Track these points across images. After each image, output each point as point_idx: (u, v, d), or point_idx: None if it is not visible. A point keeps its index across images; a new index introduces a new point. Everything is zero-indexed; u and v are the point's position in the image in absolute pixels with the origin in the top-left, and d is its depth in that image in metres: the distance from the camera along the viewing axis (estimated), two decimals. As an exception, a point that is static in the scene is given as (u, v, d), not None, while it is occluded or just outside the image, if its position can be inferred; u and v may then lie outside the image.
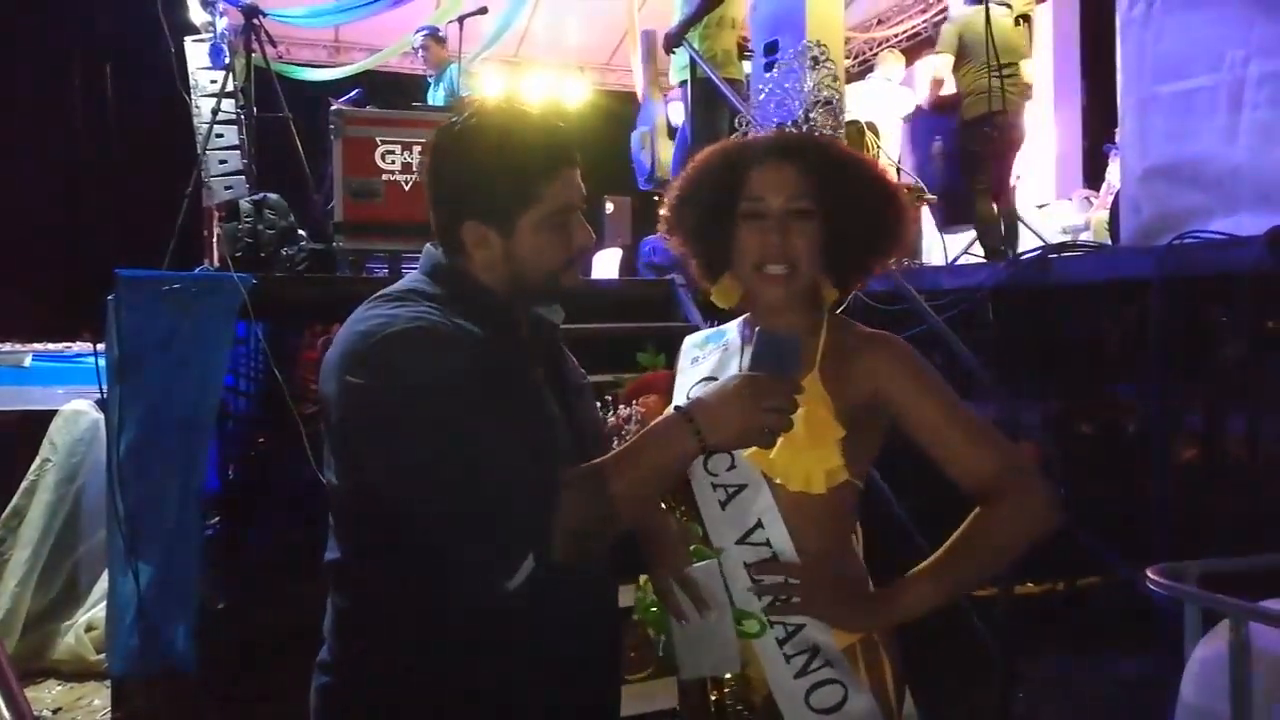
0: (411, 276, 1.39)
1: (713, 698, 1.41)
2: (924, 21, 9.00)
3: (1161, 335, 3.02)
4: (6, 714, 1.79)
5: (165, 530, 3.43)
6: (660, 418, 1.32)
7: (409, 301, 1.29)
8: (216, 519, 4.43)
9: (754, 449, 1.32)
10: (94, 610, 4.09)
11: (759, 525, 1.36)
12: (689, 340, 1.59)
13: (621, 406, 1.54)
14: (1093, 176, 7.21)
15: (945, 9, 8.52)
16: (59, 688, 3.88)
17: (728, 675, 1.38)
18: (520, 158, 1.29)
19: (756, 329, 1.31)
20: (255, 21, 4.93)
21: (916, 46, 9.53)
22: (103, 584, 4.07)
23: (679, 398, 1.47)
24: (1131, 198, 3.37)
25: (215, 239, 7.70)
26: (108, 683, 3.75)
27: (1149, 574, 1.77)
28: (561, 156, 1.33)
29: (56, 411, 4.53)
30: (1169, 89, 3.18)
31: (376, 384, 1.20)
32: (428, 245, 1.42)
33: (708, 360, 1.50)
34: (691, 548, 1.39)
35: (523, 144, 1.30)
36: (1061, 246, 3.69)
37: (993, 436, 1.37)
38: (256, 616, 3.94)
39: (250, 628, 3.86)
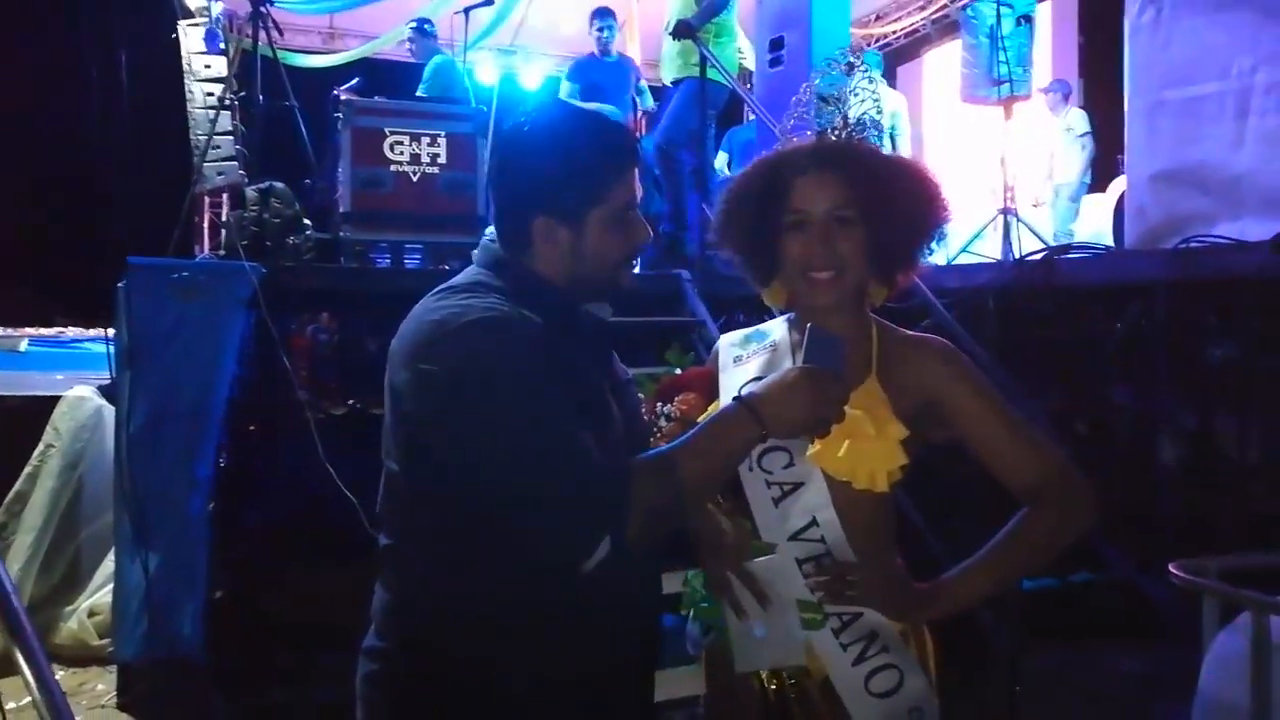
0: (471, 271, 1.41)
1: (772, 687, 1.44)
2: (924, 18, 9.02)
3: (1167, 336, 3.08)
4: (38, 694, 1.81)
5: (173, 516, 3.45)
6: (721, 409, 1.35)
7: (477, 293, 1.32)
8: (210, 506, 4.43)
9: (818, 448, 1.36)
10: (97, 595, 4.09)
11: (814, 523, 1.40)
12: (726, 339, 1.62)
13: (658, 404, 1.56)
14: (1092, 178, 7.26)
15: (945, 6, 8.58)
16: (62, 672, 3.88)
17: (791, 665, 1.42)
18: (591, 157, 1.34)
19: (809, 326, 1.34)
20: (262, 9, 4.89)
21: (915, 43, 9.58)
22: (105, 569, 4.07)
23: (726, 396, 1.50)
24: (1137, 202, 3.42)
25: (207, 225, 7.68)
26: (111, 668, 3.76)
27: (1171, 569, 1.83)
28: (626, 155, 1.39)
29: (57, 397, 4.51)
30: (1177, 95, 3.23)
31: (454, 372, 1.23)
32: (484, 239, 1.45)
33: (754, 360, 1.53)
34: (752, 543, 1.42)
35: (593, 143, 1.35)
36: (1067, 247, 3.73)
37: (1039, 439, 1.43)
38: (256, 602, 3.95)
39: (249, 614, 3.87)
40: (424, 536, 1.34)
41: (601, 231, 1.36)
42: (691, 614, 1.53)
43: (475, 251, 1.45)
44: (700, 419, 1.46)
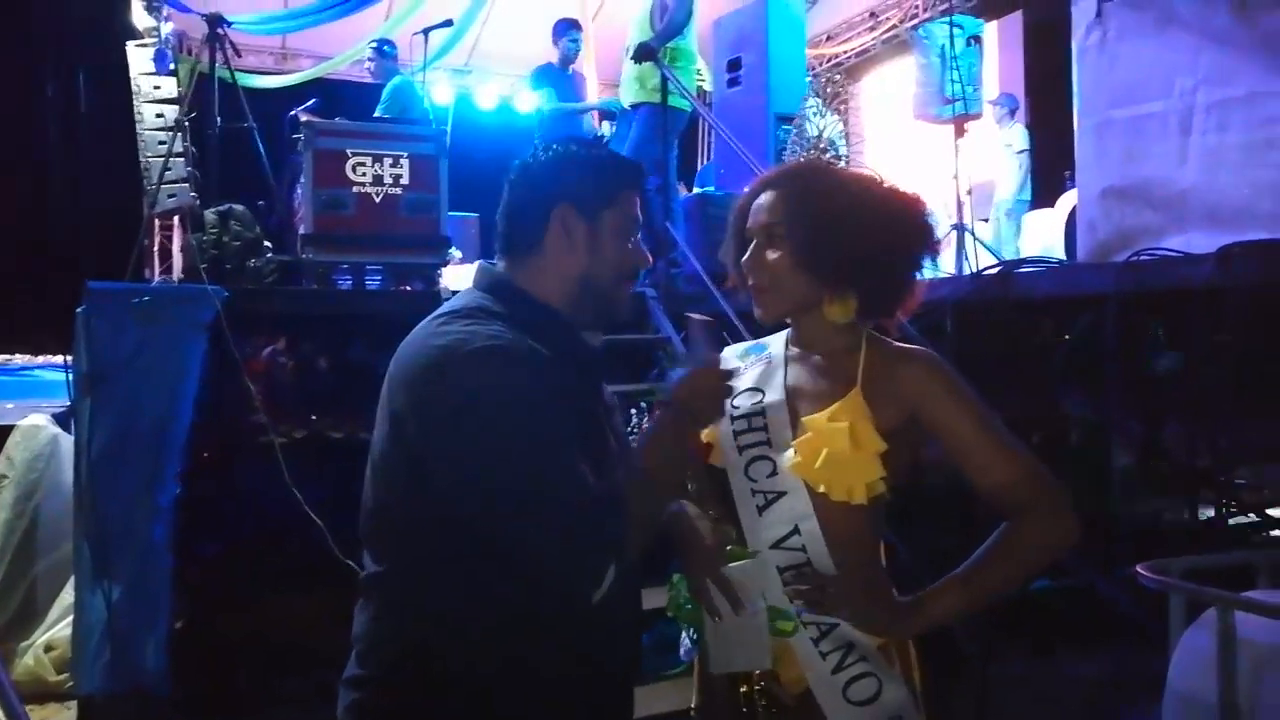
0: (470, 294, 1.43)
1: (742, 690, 1.47)
2: (874, 38, 9.19)
3: (1117, 347, 3.17)
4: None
5: (135, 544, 3.39)
6: (660, 414, 1.41)
7: (479, 319, 1.34)
8: (171, 532, 4.35)
9: (798, 459, 1.40)
10: (54, 630, 4.00)
11: (795, 531, 1.43)
12: (728, 351, 1.65)
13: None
14: (1037, 194, 7.44)
15: (895, 26, 8.75)
16: (18, 709, 3.79)
17: (757, 671, 1.44)
18: (609, 160, 1.49)
19: (687, 315, 1.47)
20: (220, 30, 4.86)
21: (866, 63, 9.75)
22: (63, 602, 3.99)
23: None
24: (1088, 216, 3.53)
25: (157, 248, 7.55)
26: (70, 703, 3.68)
27: (1139, 569, 1.89)
28: (636, 175, 1.51)
29: (7, 426, 4.42)
30: (1123, 113, 3.34)
31: (462, 400, 1.25)
32: (480, 262, 1.50)
33: (750, 371, 1.56)
34: (728, 549, 1.45)
35: (610, 155, 1.52)
36: (1022, 261, 3.83)
37: (1023, 454, 1.43)
38: (217, 629, 3.89)
39: (211, 641, 3.81)
40: (421, 563, 1.33)
41: (614, 233, 1.44)
42: (673, 617, 1.56)
43: (474, 275, 1.48)
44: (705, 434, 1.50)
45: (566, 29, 6.09)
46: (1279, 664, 1.69)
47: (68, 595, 3.79)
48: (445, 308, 1.40)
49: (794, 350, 1.55)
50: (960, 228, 5.69)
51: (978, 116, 6.08)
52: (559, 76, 6.17)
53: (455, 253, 5.78)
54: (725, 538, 1.47)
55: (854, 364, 1.46)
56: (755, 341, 1.64)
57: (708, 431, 1.50)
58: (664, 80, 4.60)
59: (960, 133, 5.91)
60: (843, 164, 1.52)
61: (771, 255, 1.47)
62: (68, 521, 3.67)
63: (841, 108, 9.59)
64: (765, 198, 1.51)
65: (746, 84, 5.21)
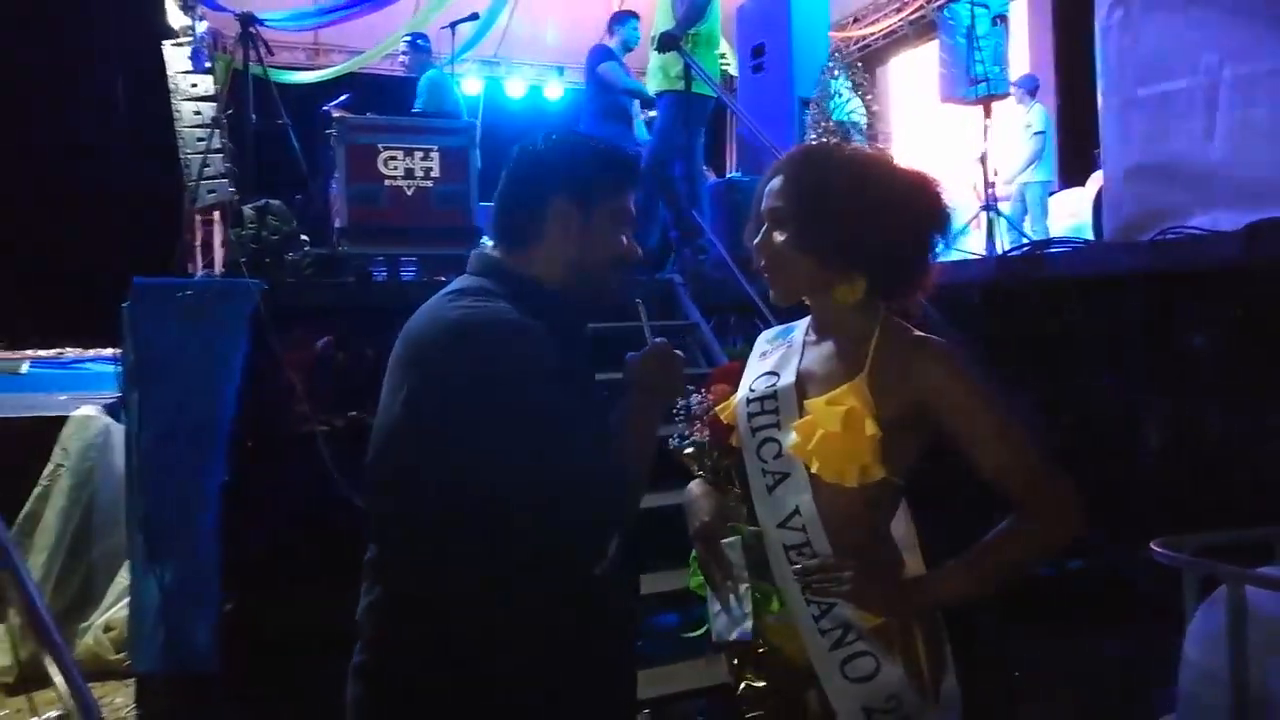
0: (469, 279, 1.49)
1: (734, 661, 1.55)
2: (900, 20, 9.12)
3: (1144, 325, 3.18)
4: (77, 715, 1.90)
5: (185, 531, 3.51)
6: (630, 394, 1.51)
7: (483, 298, 1.40)
8: (219, 519, 4.49)
9: (797, 440, 1.45)
10: (111, 611, 4.15)
11: (796, 512, 1.47)
12: (762, 335, 1.69)
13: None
14: (1066, 172, 7.39)
15: (921, 6, 8.69)
16: (78, 688, 3.94)
17: (743, 643, 1.52)
18: (604, 154, 1.54)
19: (636, 300, 1.58)
20: (251, 30, 4.96)
21: (893, 44, 9.68)
22: (118, 585, 4.14)
23: (743, 389, 1.60)
24: (1114, 195, 3.53)
25: (199, 243, 7.72)
26: (128, 681, 3.82)
27: (1153, 546, 1.92)
28: (630, 172, 1.56)
29: (61, 417, 4.57)
30: (1148, 91, 3.33)
31: (479, 368, 1.31)
32: (475, 250, 1.57)
33: (774, 354, 1.61)
34: (730, 524, 1.52)
35: (606, 149, 1.56)
36: (1049, 241, 3.84)
37: (1029, 447, 1.44)
38: (264, 613, 4.01)
39: (258, 625, 3.94)
40: (427, 538, 1.37)
41: (606, 224, 1.49)
42: (695, 590, 1.64)
43: (470, 260, 1.54)
44: (720, 409, 1.57)
45: (626, 19, 6.03)
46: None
47: (123, 578, 3.93)
48: (450, 287, 1.46)
49: (812, 335, 1.59)
50: (989, 207, 5.69)
51: (1005, 97, 6.06)
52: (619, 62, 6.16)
53: (487, 241, 5.81)
54: (726, 514, 1.54)
55: (859, 350, 1.48)
56: (786, 325, 1.67)
57: (729, 413, 1.56)
58: (686, 68, 4.63)
59: (988, 114, 5.91)
60: (859, 146, 1.50)
61: (778, 238, 1.51)
62: (121, 508, 3.80)
63: (869, 90, 9.53)
64: (775, 182, 1.54)
65: (770, 68, 5.22)
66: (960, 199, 6.22)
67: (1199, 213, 3.15)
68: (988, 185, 5.86)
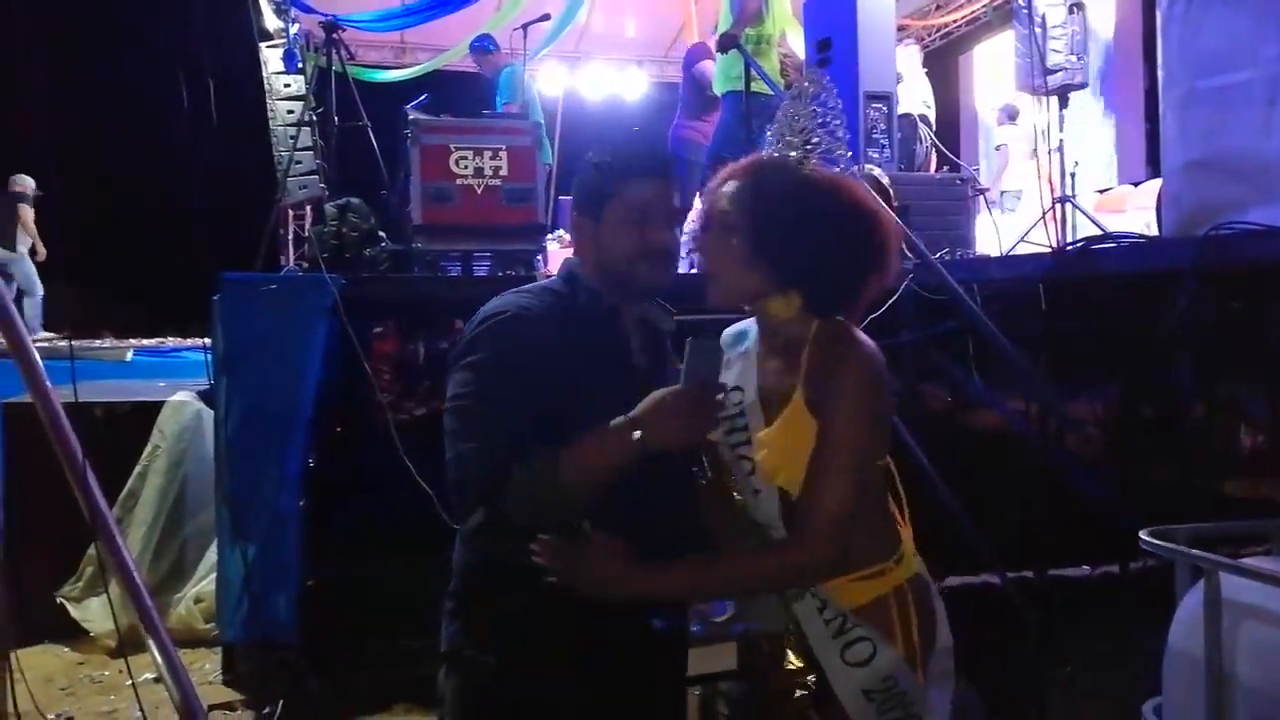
0: (549, 278, 1.74)
1: (764, 649, 1.67)
2: (984, 6, 8.96)
3: (1201, 322, 3.15)
4: (169, 678, 2.12)
5: (266, 511, 3.75)
6: (612, 423, 1.48)
7: (523, 291, 1.64)
8: (301, 502, 4.76)
9: (757, 463, 1.56)
10: (201, 584, 4.45)
11: (771, 526, 1.59)
12: (726, 333, 1.73)
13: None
14: (1153, 161, 7.19)
15: (1001, -7, 8.52)
16: (173, 654, 4.25)
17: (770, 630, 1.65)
18: (603, 159, 1.65)
19: (688, 339, 1.51)
20: (335, 35, 5.21)
21: (976, 31, 9.51)
22: (209, 559, 4.43)
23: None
24: (1173, 190, 3.47)
25: (291, 236, 8.09)
26: (216, 649, 4.10)
27: (1141, 535, 1.96)
28: (636, 162, 1.64)
29: (160, 402, 4.90)
30: (1207, 84, 3.28)
31: (457, 351, 1.58)
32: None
33: (735, 365, 1.65)
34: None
35: (611, 149, 1.66)
36: (1104, 236, 3.80)
37: (841, 490, 1.45)
38: (344, 590, 4.25)
39: (339, 601, 4.17)
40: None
41: (614, 224, 1.63)
42: None
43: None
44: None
45: None
46: (1267, 625, 1.75)
47: (213, 553, 4.20)
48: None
49: (762, 347, 1.64)
50: (1065, 200, 5.59)
51: (1083, 87, 5.94)
52: None
53: (564, 234, 5.97)
54: (745, 522, 1.64)
55: (797, 360, 1.53)
56: (740, 326, 1.70)
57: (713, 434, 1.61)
58: (746, 68, 4.69)
59: (1064, 104, 5.80)
60: (818, 167, 1.51)
61: (724, 244, 1.57)
62: (212, 488, 4.08)
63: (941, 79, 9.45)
64: (729, 186, 1.60)
65: (837, 63, 5.23)
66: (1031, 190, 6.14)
67: (1257, 207, 3.09)
68: (1064, 176, 5.75)
